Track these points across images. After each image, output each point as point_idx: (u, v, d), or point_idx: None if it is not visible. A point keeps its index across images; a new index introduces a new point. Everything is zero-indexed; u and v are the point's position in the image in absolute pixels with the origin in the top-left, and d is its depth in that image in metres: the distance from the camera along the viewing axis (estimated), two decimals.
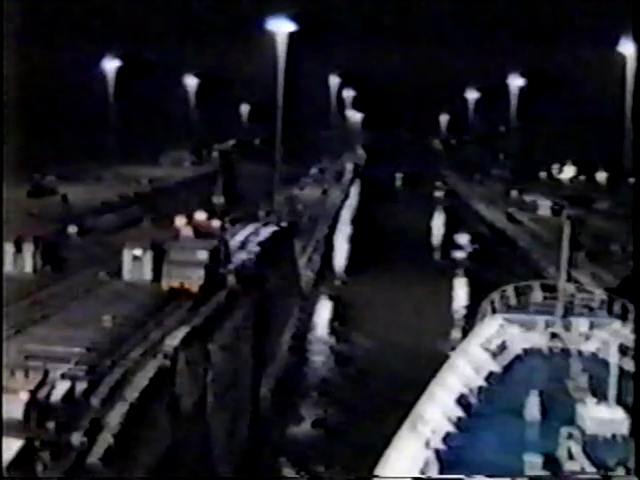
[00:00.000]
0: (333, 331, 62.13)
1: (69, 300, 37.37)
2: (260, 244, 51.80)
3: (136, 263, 39.35)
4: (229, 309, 38.15)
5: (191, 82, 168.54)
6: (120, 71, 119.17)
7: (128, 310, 35.54)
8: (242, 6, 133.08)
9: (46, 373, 26.85)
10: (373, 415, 42.59)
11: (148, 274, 40.13)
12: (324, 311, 67.53)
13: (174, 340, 31.29)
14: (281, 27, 79.02)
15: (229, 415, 36.96)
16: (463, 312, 64.59)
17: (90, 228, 63.48)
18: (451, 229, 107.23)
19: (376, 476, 23.99)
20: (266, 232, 57.21)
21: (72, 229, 61.09)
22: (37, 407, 24.93)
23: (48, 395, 26.04)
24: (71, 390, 26.69)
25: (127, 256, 39.82)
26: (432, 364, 32.20)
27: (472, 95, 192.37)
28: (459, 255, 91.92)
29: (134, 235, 48.34)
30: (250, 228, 57.04)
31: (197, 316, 34.22)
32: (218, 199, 56.75)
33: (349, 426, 43.42)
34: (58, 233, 58.19)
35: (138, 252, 38.92)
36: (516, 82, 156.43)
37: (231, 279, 40.39)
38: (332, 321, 64.87)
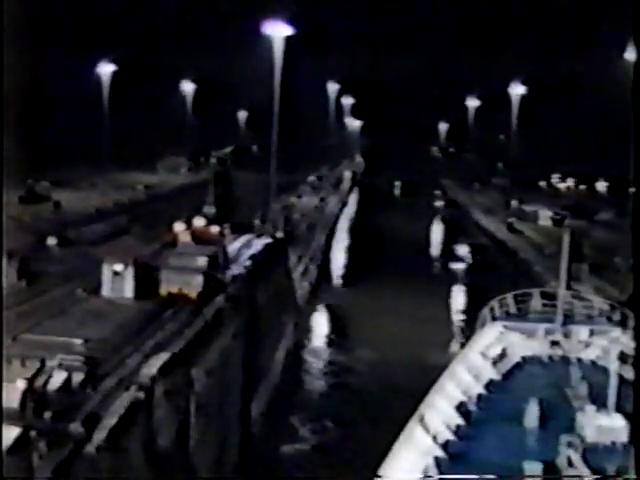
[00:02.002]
0: (330, 343, 60.97)
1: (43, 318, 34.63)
2: (252, 257, 50.33)
3: (116, 279, 37.12)
4: (218, 327, 36.52)
5: (188, 88, 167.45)
6: (116, 76, 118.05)
7: (105, 332, 33.09)
8: (239, 10, 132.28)
9: None
10: (371, 429, 41.20)
11: (130, 291, 37.84)
12: (321, 323, 66.44)
13: (154, 366, 29.09)
14: (278, 31, 77.76)
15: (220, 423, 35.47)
16: (462, 323, 64.00)
17: (82, 236, 62.47)
18: (450, 239, 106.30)
19: (378, 476, 23.59)
20: (259, 244, 55.79)
21: (71, 233, 59.84)
22: None
23: None
24: None
25: (107, 271, 37.42)
26: (431, 375, 31.37)
27: (472, 103, 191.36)
28: (458, 266, 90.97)
29: (122, 246, 46.81)
30: (242, 239, 55.56)
31: (181, 338, 32.40)
32: (209, 209, 55.14)
33: (347, 441, 42.01)
34: (41, 242, 57.09)
35: (119, 267, 36.66)
36: (517, 90, 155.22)
37: (219, 299, 38.74)
38: (329, 333, 63.70)
